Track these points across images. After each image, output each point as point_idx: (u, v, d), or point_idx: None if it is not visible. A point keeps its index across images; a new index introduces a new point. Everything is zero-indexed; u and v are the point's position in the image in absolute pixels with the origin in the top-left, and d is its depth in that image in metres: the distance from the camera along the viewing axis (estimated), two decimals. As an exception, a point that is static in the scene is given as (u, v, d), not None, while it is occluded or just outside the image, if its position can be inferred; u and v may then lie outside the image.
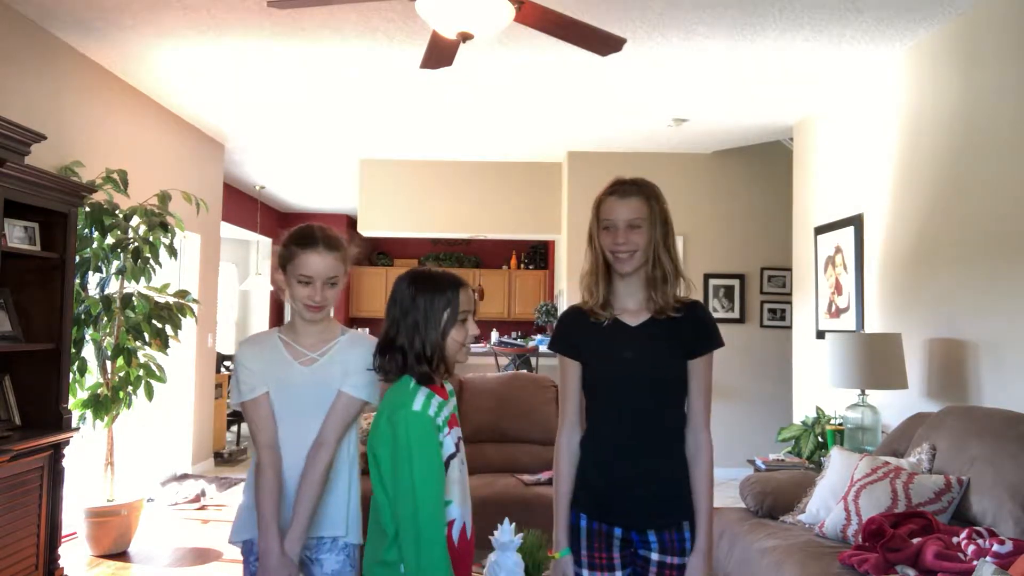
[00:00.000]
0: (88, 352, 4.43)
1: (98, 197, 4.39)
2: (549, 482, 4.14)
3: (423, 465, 1.73)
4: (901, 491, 2.90)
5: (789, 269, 6.44)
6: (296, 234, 2.07)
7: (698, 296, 7.01)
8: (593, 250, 2.00)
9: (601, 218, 1.98)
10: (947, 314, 3.86)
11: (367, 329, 10.68)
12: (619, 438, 1.94)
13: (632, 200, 1.94)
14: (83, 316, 4.30)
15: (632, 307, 1.97)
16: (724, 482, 6.32)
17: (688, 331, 1.95)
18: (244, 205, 9.20)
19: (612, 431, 1.95)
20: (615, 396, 1.95)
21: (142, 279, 4.51)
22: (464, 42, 3.07)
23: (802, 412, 5.41)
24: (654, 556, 1.92)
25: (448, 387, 1.94)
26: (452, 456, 1.81)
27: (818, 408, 4.83)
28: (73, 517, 4.37)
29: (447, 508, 1.79)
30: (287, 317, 11.81)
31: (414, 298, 1.83)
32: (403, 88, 5.18)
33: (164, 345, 4.61)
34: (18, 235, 3.56)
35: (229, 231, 8.81)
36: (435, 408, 1.78)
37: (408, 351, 1.81)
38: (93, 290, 4.45)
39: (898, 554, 2.49)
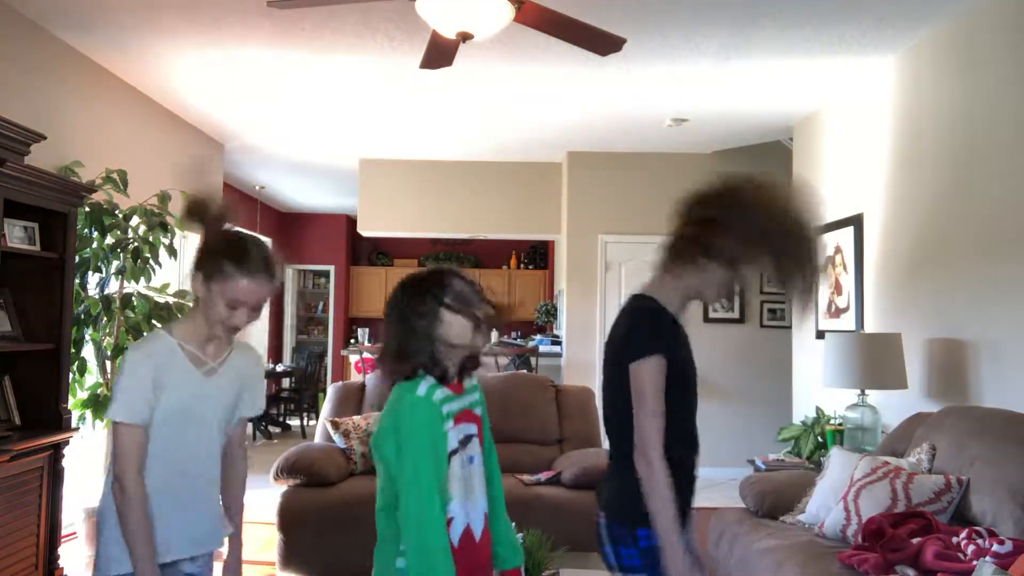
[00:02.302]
0: (88, 352, 4.43)
1: (98, 197, 4.39)
2: (549, 482, 4.15)
3: (425, 448, 1.71)
4: (901, 491, 2.90)
5: (789, 269, 6.43)
6: (232, 250, 1.88)
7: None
8: (716, 274, 1.89)
9: (749, 277, 1.91)
10: (947, 314, 3.86)
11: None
12: (697, 447, 1.96)
13: None
14: (83, 316, 4.30)
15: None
16: (724, 482, 6.32)
17: None
18: (244, 205, 9.21)
19: (696, 442, 1.95)
20: (695, 405, 1.96)
21: (142, 279, 4.50)
22: (464, 42, 3.07)
23: (802, 412, 5.40)
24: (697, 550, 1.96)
25: (470, 383, 1.93)
26: (453, 452, 1.80)
27: (818, 408, 4.83)
28: (73, 517, 4.37)
29: (447, 505, 1.78)
30: (287, 318, 11.61)
31: (400, 302, 1.80)
32: (403, 88, 5.18)
33: (164, 345, 4.60)
34: (18, 235, 3.56)
35: (229, 231, 8.81)
36: (439, 396, 1.78)
37: (413, 357, 1.78)
38: (93, 290, 4.45)
39: (898, 554, 2.49)
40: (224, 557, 2.12)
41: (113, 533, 1.89)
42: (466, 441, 1.85)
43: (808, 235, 1.83)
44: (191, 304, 2.02)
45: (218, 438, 2.01)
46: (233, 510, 2.12)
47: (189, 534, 1.95)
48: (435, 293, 1.78)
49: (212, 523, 2.00)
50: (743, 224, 1.82)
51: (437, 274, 1.83)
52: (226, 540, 2.09)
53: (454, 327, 1.78)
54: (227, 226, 1.97)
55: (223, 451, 2.06)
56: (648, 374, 1.84)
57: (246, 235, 1.95)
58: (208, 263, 1.87)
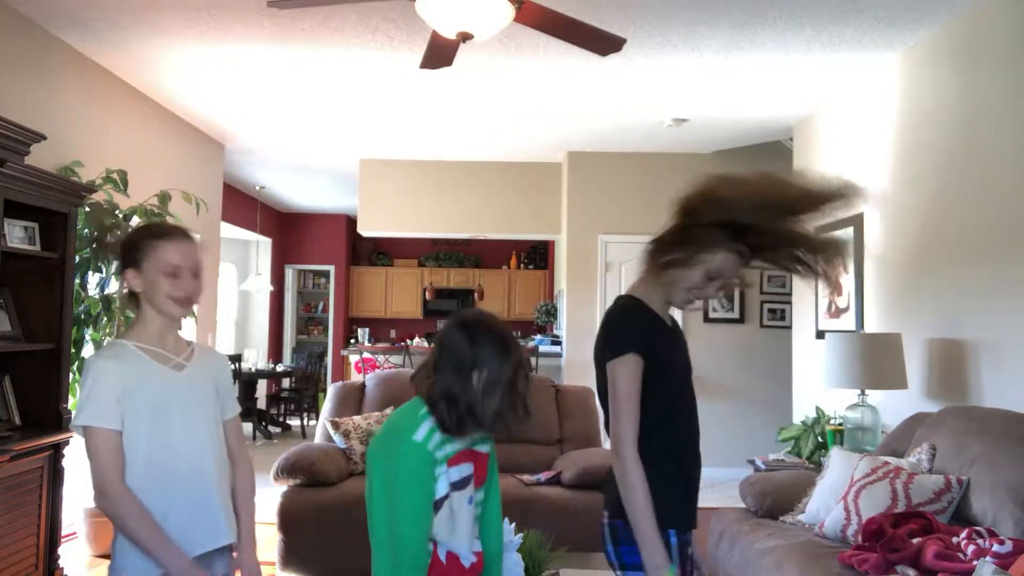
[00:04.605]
0: (88, 352, 4.43)
1: (98, 197, 4.39)
2: (549, 482, 4.15)
3: (411, 499, 1.73)
4: (901, 491, 2.90)
5: (789, 269, 6.43)
6: (147, 229, 1.96)
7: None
8: (690, 266, 1.85)
9: (727, 272, 1.87)
10: (947, 314, 3.86)
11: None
12: (695, 445, 1.95)
13: None
14: (83, 316, 4.29)
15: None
16: (724, 482, 6.32)
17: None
18: (244, 205, 9.21)
19: (692, 440, 1.95)
20: (689, 402, 1.95)
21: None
22: (464, 42, 3.07)
23: (802, 412, 5.40)
24: (690, 550, 1.94)
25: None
26: (444, 498, 1.80)
27: (818, 408, 4.83)
28: (73, 517, 4.37)
29: (432, 543, 1.81)
30: (287, 318, 11.62)
31: (461, 348, 1.80)
32: (403, 88, 5.18)
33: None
34: (18, 235, 3.56)
35: (229, 231, 8.81)
36: (436, 442, 1.78)
37: (439, 403, 1.79)
38: (93, 290, 4.45)
39: (898, 554, 2.49)
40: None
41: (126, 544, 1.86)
42: (462, 484, 1.85)
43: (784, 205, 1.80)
44: (132, 312, 2.01)
45: (207, 432, 1.98)
46: (241, 515, 2.09)
47: (187, 535, 1.93)
48: (493, 366, 1.77)
49: (212, 521, 1.97)
50: (713, 208, 1.82)
51: (510, 349, 1.80)
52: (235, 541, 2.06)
53: (492, 404, 1.77)
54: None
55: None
56: (622, 372, 1.84)
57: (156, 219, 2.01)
58: (132, 251, 1.91)
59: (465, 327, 1.81)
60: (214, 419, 2.02)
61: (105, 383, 1.82)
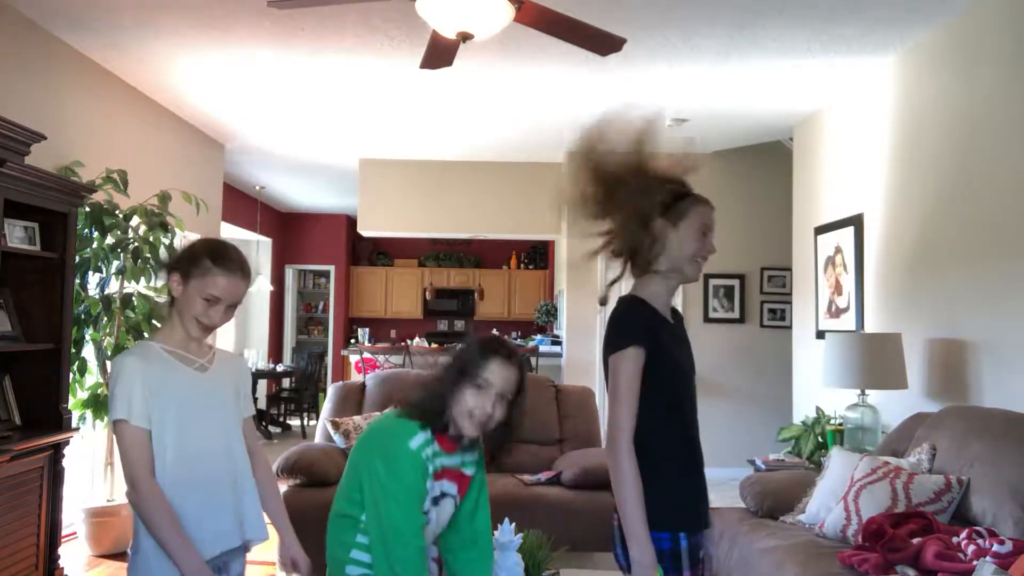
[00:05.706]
0: (88, 352, 4.43)
1: (98, 197, 4.39)
2: (549, 482, 4.15)
3: (406, 503, 1.83)
4: (901, 491, 2.90)
5: (789, 269, 6.44)
6: (211, 248, 1.97)
7: (698, 296, 6.99)
8: (659, 243, 1.88)
9: (703, 222, 1.93)
10: (947, 314, 3.86)
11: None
12: (695, 445, 1.91)
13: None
14: (83, 316, 4.30)
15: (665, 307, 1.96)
16: (724, 482, 6.31)
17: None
18: (244, 205, 9.20)
19: (691, 438, 1.90)
20: (689, 401, 1.91)
21: (142, 279, 4.51)
22: (464, 42, 3.07)
23: (802, 412, 5.40)
24: (702, 553, 1.88)
25: (469, 445, 1.98)
26: (426, 512, 1.89)
27: (818, 408, 4.83)
28: (73, 517, 4.37)
29: None
30: (287, 318, 11.59)
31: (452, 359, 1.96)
32: (403, 88, 5.18)
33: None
34: (18, 235, 3.56)
35: (229, 231, 8.80)
36: (428, 454, 1.86)
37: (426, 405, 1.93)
38: (93, 290, 4.45)
39: (898, 554, 2.49)
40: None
41: (148, 541, 1.88)
42: (440, 499, 1.93)
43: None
44: (164, 313, 2.04)
45: (230, 432, 2.02)
46: (272, 508, 2.19)
47: (205, 536, 1.94)
48: (471, 368, 1.89)
49: (230, 521, 1.99)
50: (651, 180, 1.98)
51: (478, 352, 1.92)
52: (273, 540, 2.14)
53: (469, 404, 1.88)
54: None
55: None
56: (623, 365, 1.80)
57: (228, 242, 2.03)
58: (187, 262, 1.94)
59: (480, 344, 1.96)
60: (235, 419, 2.06)
61: (132, 380, 1.86)
